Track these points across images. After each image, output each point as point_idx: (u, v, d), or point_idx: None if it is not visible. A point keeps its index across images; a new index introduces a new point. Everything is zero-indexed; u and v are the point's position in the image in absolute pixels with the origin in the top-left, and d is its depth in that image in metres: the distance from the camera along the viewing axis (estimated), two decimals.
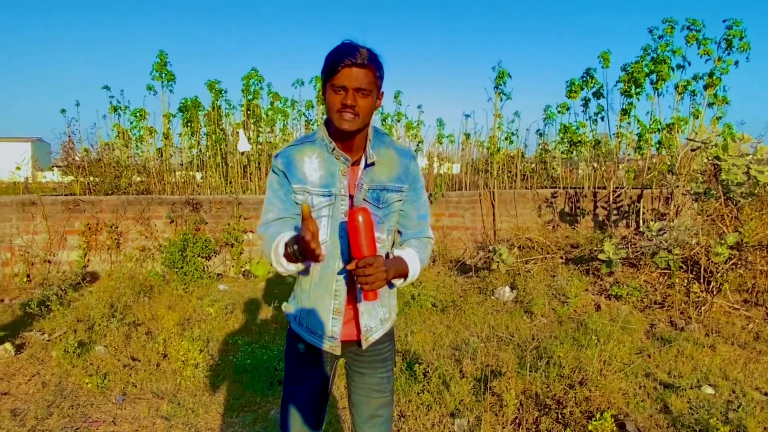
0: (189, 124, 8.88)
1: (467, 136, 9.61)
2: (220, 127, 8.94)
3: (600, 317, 5.02)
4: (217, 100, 8.88)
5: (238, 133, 8.62)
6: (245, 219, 7.48)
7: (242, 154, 8.67)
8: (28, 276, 6.87)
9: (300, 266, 1.72)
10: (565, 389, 3.39)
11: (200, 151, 9.06)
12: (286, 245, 1.63)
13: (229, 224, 7.37)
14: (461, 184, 9.29)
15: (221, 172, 8.74)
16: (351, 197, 1.81)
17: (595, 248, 6.31)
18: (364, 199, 1.80)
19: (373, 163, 1.80)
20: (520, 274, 6.27)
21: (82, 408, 3.62)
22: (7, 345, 4.47)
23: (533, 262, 6.60)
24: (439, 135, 9.64)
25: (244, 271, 7.35)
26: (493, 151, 8.49)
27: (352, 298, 1.84)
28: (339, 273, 1.80)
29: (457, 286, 6.32)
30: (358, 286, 1.64)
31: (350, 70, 1.63)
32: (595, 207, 8.04)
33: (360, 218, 1.61)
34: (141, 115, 8.87)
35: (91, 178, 8.26)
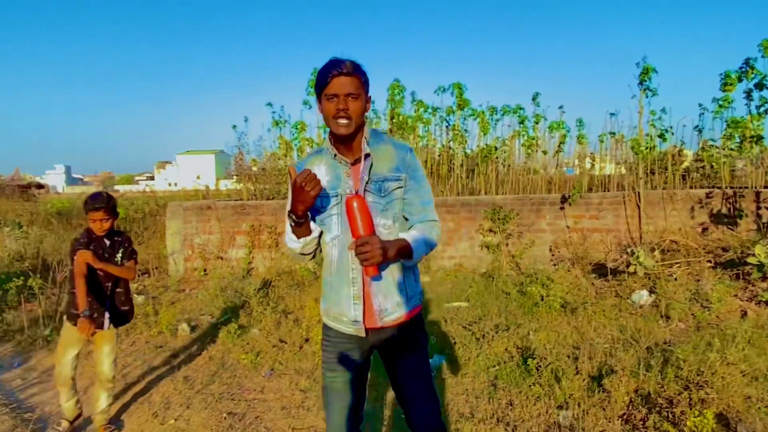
0: None
1: (612, 134, 9.27)
2: None
3: (742, 323, 4.70)
4: None
5: None
6: None
7: None
8: (204, 270, 7.99)
9: (308, 239, 2.04)
10: (680, 390, 3.33)
11: None
12: (288, 215, 1.99)
13: None
14: (608, 184, 8.96)
15: None
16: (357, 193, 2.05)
17: (746, 251, 5.85)
18: (366, 190, 2.03)
19: (368, 155, 2.05)
20: (660, 277, 6.01)
21: (237, 379, 4.29)
22: (185, 325, 5.37)
23: (677, 265, 6.27)
24: (579, 135, 9.40)
25: None
26: (637, 150, 8.12)
27: (368, 285, 2.06)
28: (353, 264, 2.03)
29: (592, 289, 6.22)
30: (359, 263, 1.89)
31: (339, 79, 1.93)
32: (758, 208, 7.36)
33: (355, 204, 1.89)
34: (301, 127, 9.84)
35: (258, 185, 9.34)
